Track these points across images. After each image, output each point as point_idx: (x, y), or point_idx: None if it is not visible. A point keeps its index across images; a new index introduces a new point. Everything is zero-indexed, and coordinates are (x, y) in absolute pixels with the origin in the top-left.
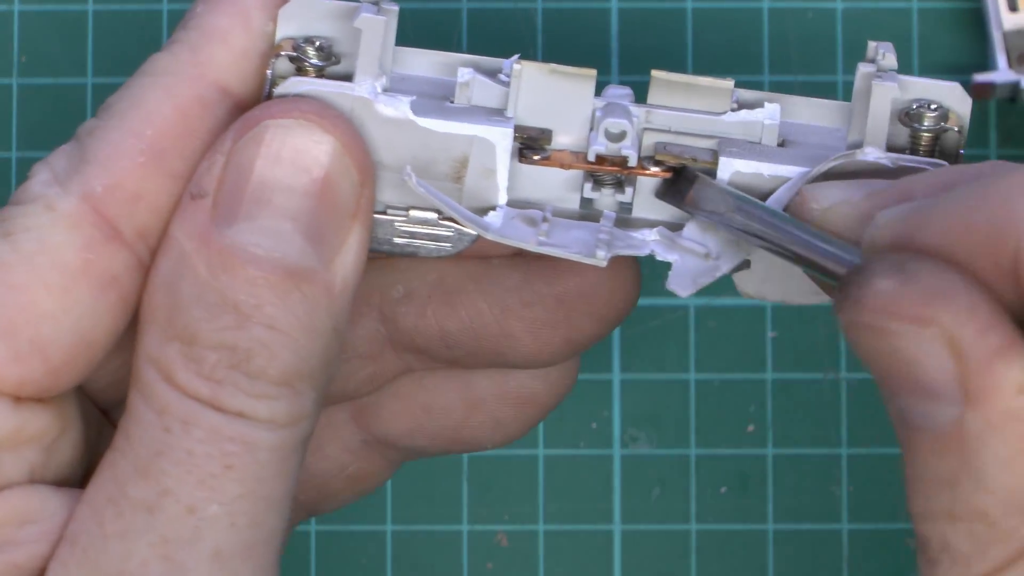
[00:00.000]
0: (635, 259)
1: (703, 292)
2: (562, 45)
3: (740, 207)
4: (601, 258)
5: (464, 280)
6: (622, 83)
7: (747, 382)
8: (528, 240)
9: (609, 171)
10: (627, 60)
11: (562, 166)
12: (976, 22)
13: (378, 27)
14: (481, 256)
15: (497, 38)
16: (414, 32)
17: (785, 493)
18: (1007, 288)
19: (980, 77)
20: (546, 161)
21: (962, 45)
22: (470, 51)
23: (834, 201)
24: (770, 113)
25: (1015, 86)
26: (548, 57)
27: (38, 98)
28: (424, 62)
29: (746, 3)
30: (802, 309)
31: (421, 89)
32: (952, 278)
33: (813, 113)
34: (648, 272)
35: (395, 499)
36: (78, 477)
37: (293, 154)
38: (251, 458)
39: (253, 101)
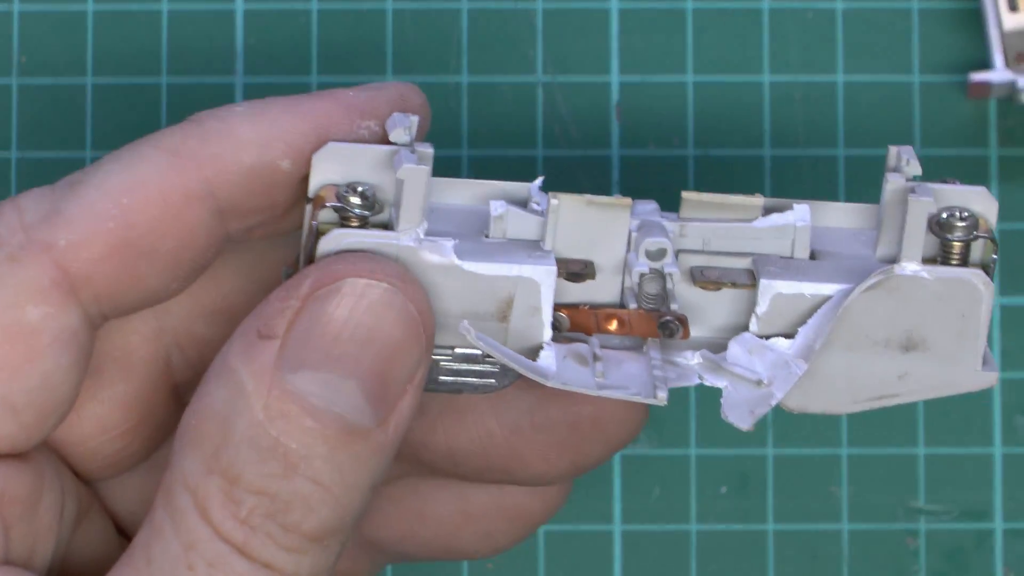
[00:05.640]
0: None
1: None
2: (562, 45)
3: None
4: (662, 399)
5: (477, 399)
6: (622, 84)
7: None
8: (588, 385)
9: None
10: (627, 60)
11: (592, 327)
12: (976, 22)
13: (421, 177)
14: None
15: (497, 38)
16: (414, 32)
17: (785, 493)
18: None
19: (976, 76)
20: (578, 317)
21: (962, 45)
22: (470, 52)
23: None
24: (800, 215)
25: (1012, 85)
26: (548, 57)
27: (38, 98)
28: (453, 192)
29: (746, 3)
30: None
31: (455, 220)
32: None
33: (838, 217)
34: None
35: None
36: (51, 550)
37: (371, 316)
38: None
39: (234, 213)
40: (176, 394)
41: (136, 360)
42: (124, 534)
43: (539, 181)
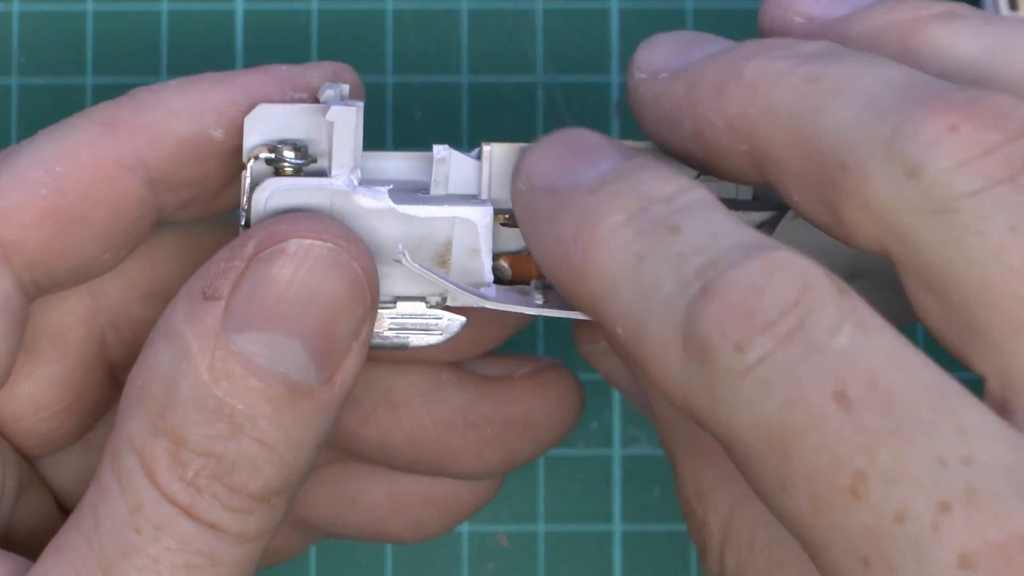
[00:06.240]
0: (580, 388)
1: None
2: (562, 45)
3: None
4: None
5: (411, 393)
6: (623, 85)
7: None
8: (528, 305)
9: None
10: (627, 60)
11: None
12: None
13: (350, 118)
14: (432, 362)
15: (497, 38)
16: (414, 32)
17: None
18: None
19: None
20: (519, 263)
21: None
22: (471, 52)
23: (650, 70)
24: None
25: None
26: (549, 58)
27: (38, 98)
28: (389, 164)
29: (746, 3)
30: None
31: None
32: None
33: None
34: None
35: None
36: None
37: (315, 275)
38: (213, 572)
39: (166, 184)
40: (111, 374)
41: (71, 339)
42: (64, 510)
43: (476, 152)
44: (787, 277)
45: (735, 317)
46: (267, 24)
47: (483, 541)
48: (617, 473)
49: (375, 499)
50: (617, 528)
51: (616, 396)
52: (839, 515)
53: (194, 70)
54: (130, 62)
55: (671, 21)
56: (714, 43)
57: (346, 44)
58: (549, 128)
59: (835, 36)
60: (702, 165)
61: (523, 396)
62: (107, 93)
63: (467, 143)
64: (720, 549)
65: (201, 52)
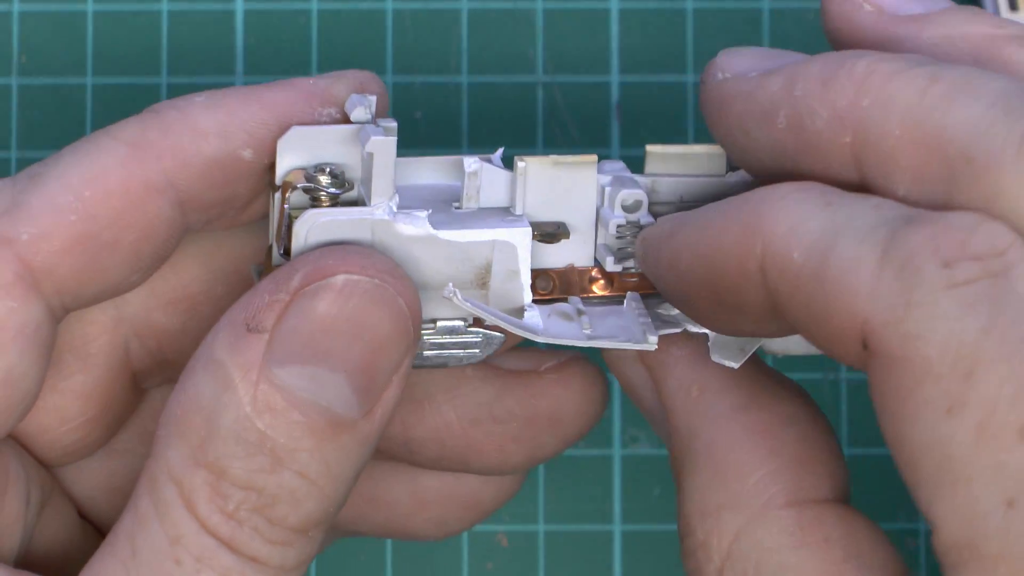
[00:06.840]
0: (604, 381)
1: None
2: (562, 45)
3: None
4: (653, 343)
5: (435, 389)
6: (622, 84)
7: None
8: (577, 337)
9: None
10: (627, 60)
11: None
12: None
13: (390, 148)
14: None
15: (497, 38)
16: (414, 32)
17: None
18: (754, 291)
19: None
20: (550, 294)
21: None
22: (470, 52)
23: (736, 72)
24: None
25: None
26: (548, 57)
27: (38, 98)
28: (414, 172)
29: (747, 3)
30: None
31: (420, 198)
32: None
33: None
34: None
35: None
36: (18, 539)
37: (359, 310)
38: None
39: (194, 204)
40: (135, 382)
41: (95, 350)
42: (85, 518)
43: (500, 152)
44: (995, 229)
45: (947, 240)
46: (267, 24)
47: (483, 541)
48: (617, 473)
49: (398, 497)
50: (617, 528)
51: (616, 396)
52: (1001, 450)
53: (194, 70)
54: (130, 62)
55: (671, 21)
56: (796, 55)
57: (346, 44)
58: (549, 128)
59: (905, 34)
60: (793, 161)
61: (548, 390)
62: (107, 93)
63: (467, 143)
64: (718, 574)
65: (201, 52)
